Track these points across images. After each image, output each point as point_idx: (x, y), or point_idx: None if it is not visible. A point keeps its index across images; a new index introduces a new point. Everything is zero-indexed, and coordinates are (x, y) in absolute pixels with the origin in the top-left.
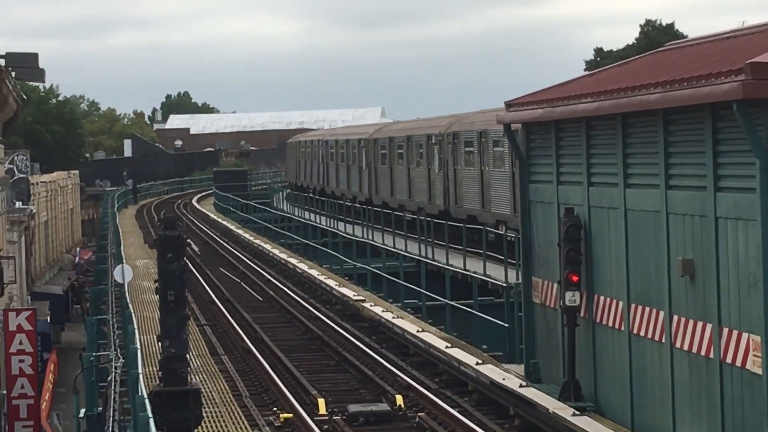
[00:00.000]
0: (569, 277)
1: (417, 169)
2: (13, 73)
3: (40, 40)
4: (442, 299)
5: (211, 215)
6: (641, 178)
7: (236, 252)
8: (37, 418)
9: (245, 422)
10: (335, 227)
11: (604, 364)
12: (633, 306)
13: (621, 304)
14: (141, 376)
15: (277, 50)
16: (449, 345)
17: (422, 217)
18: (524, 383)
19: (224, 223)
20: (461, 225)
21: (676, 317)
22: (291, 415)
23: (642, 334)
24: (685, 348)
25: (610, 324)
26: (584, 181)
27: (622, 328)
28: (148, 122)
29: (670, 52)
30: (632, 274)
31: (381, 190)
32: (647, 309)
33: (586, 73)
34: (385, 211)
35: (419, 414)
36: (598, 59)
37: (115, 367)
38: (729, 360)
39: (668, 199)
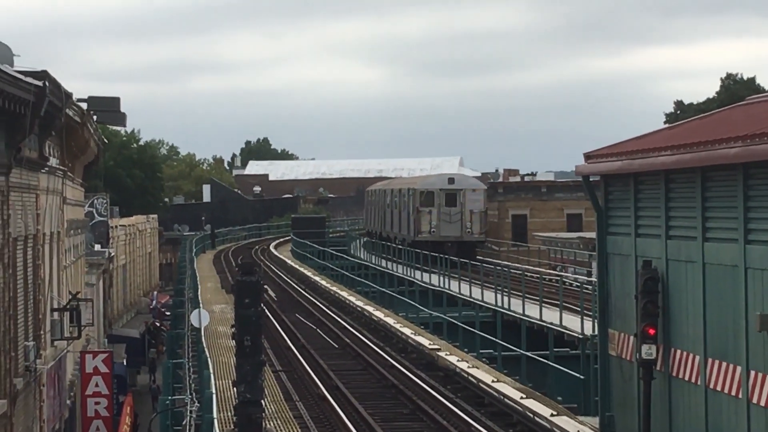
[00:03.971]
0: (646, 330)
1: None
2: (95, 117)
3: (122, 84)
4: (517, 350)
5: (289, 261)
6: (720, 232)
7: (313, 298)
8: None
9: None
10: (412, 275)
11: (680, 418)
12: (710, 360)
13: (698, 358)
14: (216, 420)
15: (357, 97)
16: (524, 396)
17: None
18: None
19: (301, 269)
20: None
21: (753, 372)
22: None
23: (718, 388)
24: (762, 404)
25: (687, 378)
26: (662, 234)
27: (699, 383)
28: (227, 168)
29: (750, 105)
30: (709, 328)
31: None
32: (724, 363)
33: (666, 125)
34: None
35: None
36: (679, 112)
37: (191, 411)
38: None
39: (747, 254)
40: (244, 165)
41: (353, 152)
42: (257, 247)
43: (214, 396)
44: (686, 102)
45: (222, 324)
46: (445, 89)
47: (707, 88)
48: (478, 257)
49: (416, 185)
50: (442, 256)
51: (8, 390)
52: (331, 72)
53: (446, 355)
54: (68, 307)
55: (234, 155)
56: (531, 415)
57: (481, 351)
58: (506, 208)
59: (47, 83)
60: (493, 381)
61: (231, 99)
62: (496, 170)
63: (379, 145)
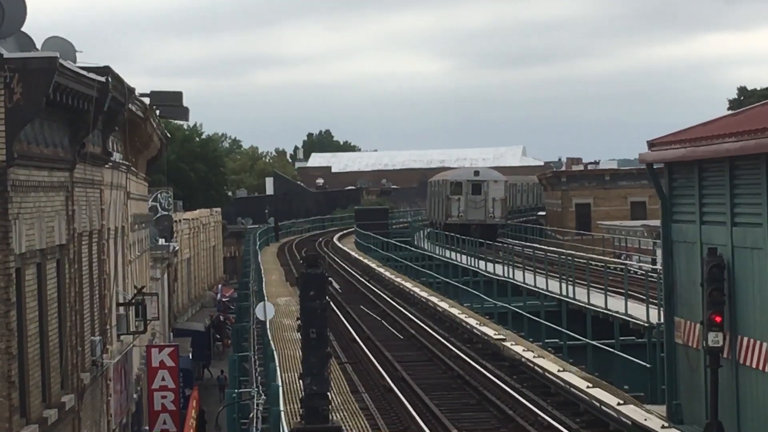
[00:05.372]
0: (712, 318)
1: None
2: (157, 112)
3: (184, 79)
4: (583, 339)
5: (352, 253)
6: None
7: (377, 290)
8: None
9: None
10: (476, 266)
11: (748, 405)
12: None
13: (765, 345)
14: (282, 413)
15: (419, 89)
16: (590, 385)
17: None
18: (666, 424)
19: (365, 261)
20: None
21: None
22: None
23: None
24: None
25: (754, 365)
26: (728, 221)
27: (766, 370)
28: (290, 160)
29: None
30: None
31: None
32: None
33: (730, 112)
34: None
35: None
36: (742, 98)
37: (257, 404)
38: None
39: None
40: (306, 157)
41: (415, 143)
42: (321, 239)
43: (281, 389)
44: (749, 88)
45: (287, 317)
46: (508, 79)
47: None
48: (498, 239)
49: (448, 177)
50: (468, 238)
51: (75, 385)
52: (393, 64)
53: (511, 345)
54: (133, 301)
55: (296, 148)
56: (597, 404)
57: (546, 340)
58: (570, 196)
59: (110, 79)
60: (558, 370)
61: (293, 92)
62: (559, 159)
63: (442, 135)
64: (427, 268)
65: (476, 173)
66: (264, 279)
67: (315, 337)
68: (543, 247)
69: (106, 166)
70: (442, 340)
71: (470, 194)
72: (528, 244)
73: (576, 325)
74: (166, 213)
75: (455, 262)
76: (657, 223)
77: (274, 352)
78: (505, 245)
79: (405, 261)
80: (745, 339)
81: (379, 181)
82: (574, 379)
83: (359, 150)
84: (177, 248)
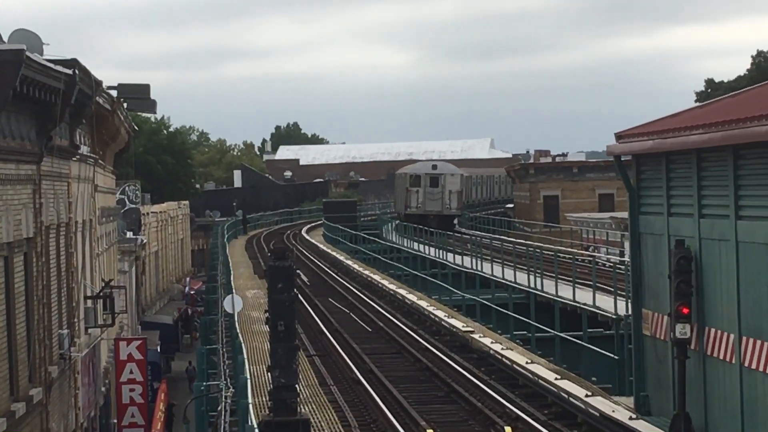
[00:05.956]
0: (680, 310)
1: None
2: (125, 104)
3: (152, 72)
4: (551, 331)
5: (321, 246)
6: (753, 210)
7: (345, 283)
8: None
9: None
10: (444, 258)
11: (715, 397)
12: (744, 338)
13: (732, 336)
14: (251, 405)
15: (387, 81)
16: (558, 377)
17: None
18: (634, 416)
19: (333, 253)
20: None
21: None
22: None
23: (753, 366)
24: None
25: (721, 357)
26: (695, 213)
27: (733, 361)
28: (258, 153)
29: None
30: (743, 306)
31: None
32: (759, 341)
33: (697, 104)
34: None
35: None
36: (709, 90)
37: (225, 397)
38: None
39: None
40: (274, 150)
41: (384, 136)
42: (289, 231)
43: (249, 381)
44: (717, 80)
45: (255, 309)
46: (476, 72)
47: (738, 66)
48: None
49: (408, 170)
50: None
51: (43, 378)
52: (361, 56)
53: (480, 337)
54: (101, 294)
55: (264, 140)
56: (566, 396)
57: (514, 332)
58: (538, 189)
59: (77, 71)
60: (527, 362)
61: (261, 84)
62: (527, 151)
63: (410, 128)
64: (395, 260)
65: (434, 167)
66: (232, 272)
67: (283, 329)
68: (511, 239)
69: (74, 158)
70: (411, 333)
71: (428, 186)
72: (485, 234)
73: (544, 317)
74: (134, 206)
75: (423, 255)
76: (625, 215)
77: (243, 345)
78: (464, 236)
79: (373, 253)
80: (713, 330)
81: (347, 173)
82: (542, 371)
83: (327, 143)
84: (145, 241)
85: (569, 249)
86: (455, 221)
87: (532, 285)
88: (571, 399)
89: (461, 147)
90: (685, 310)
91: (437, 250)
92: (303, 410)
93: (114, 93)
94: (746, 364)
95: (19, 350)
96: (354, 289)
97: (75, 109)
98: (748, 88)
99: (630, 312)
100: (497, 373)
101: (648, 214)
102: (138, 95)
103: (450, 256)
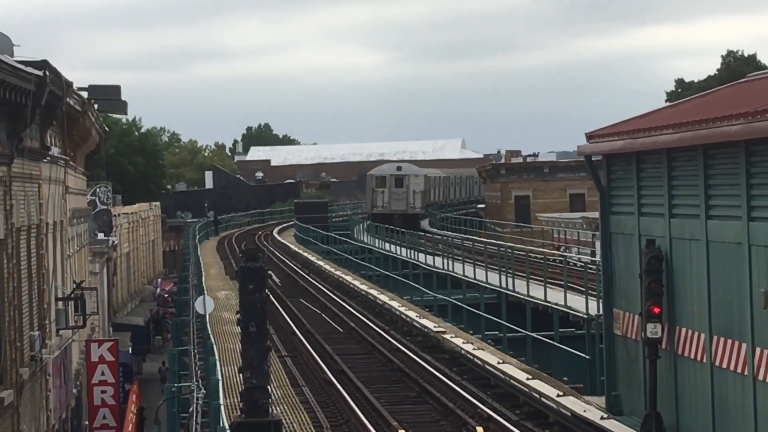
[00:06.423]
0: (651, 309)
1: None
2: (96, 106)
3: (123, 73)
4: (523, 331)
5: (292, 247)
6: (723, 210)
7: (317, 283)
8: None
9: None
10: (416, 258)
11: (686, 396)
12: (715, 338)
13: (703, 336)
14: (222, 407)
15: (359, 82)
16: (530, 377)
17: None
18: (605, 415)
19: (305, 254)
20: None
21: (758, 349)
22: None
23: (724, 366)
24: None
25: (692, 356)
26: (665, 213)
27: (704, 360)
28: (229, 154)
29: (752, 83)
30: (714, 305)
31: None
32: (729, 341)
33: (668, 104)
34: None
35: None
36: (679, 90)
37: (197, 398)
38: None
39: (750, 231)
40: (246, 151)
41: (355, 136)
42: (260, 232)
43: (221, 382)
44: (687, 80)
45: (227, 310)
46: (447, 72)
47: (708, 66)
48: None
49: (374, 172)
50: (392, 227)
51: (14, 380)
52: (332, 57)
53: (451, 337)
54: (73, 296)
55: (236, 141)
56: (537, 396)
57: (486, 333)
58: (509, 189)
59: (47, 73)
60: (498, 362)
61: (232, 85)
62: (498, 152)
63: (382, 128)
64: (366, 260)
65: (398, 168)
66: (203, 273)
67: (255, 330)
68: (482, 239)
69: (45, 160)
70: (382, 333)
71: (393, 187)
72: (456, 234)
73: (515, 317)
74: (105, 207)
75: (395, 255)
76: (596, 215)
77: (214, 346)
78: (435, 236)
79: (344, 254)
80: (683, 330)
81: (319, 174)
82: (514, 371)
83: (298, 143)
84: (116, 242)
85: (541, 249)
86: (420, 220)
87: (504, 285)
88: (542, 399)
89: (433, 147)
90: (656, 310)
91: (408, 250)
92: (275, 411)
93: (85, 94)
94: (717, 364)
95: None
96: (326, 290)
97: (46, 111)
98: (718, 88)
99: (601, 312)
100: (469, 373)
101: (619, 213)
102: (109, 96)
103: (421, 256)
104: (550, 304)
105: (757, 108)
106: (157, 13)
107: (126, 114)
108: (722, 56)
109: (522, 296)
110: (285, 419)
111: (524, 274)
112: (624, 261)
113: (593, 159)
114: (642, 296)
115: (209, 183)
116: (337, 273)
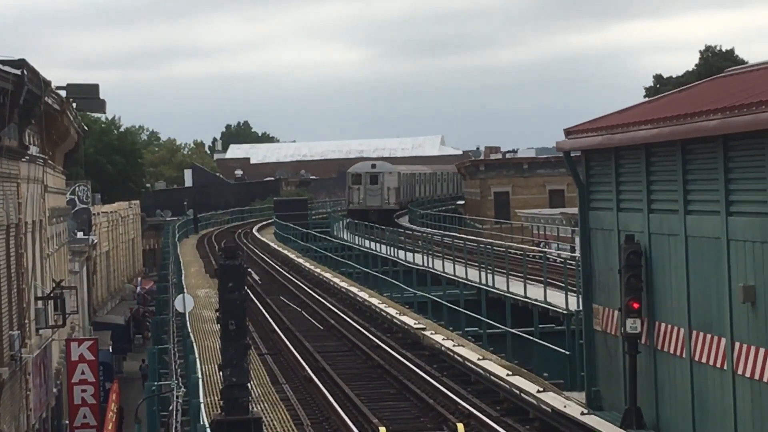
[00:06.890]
0: (630, 304)
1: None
2: (74, 105)
3: (101, 71)
4: (502, 327)
5: (272, 244)
6: (701, 205)
7: (297, 281)
8: None
9: None
10: (395, 255)
11: (666, 391)
12: (694, 333)
13: (682, 330)
14: (202, 405)
15: (337, 79)
16: (510, 373)
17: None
18: (586, 411)
19: (285, 252)
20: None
21: (737, 344)
22: None
23: (703, 360)
24: (747, 375)
25: (672, 351)
26: (644, 208)
27: (684, 355)
28: (209, 152)
29: (729, 78)
30: (693, 300)
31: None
32: (708, 336)
33: (646, 99)
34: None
35: None
36: (658, 86)
37: (177, 396)
38: None
39: (729, 226)
40: (225, 149)
41: (334, 134)
42: (240, 230)
43: (201, 380)
44: (665, 75)
45: (207, 308)
46: (426, 69)
47: (686, 61)
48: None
49: (350, 170)
50: (368, 224)
51: None
52: (310, 54)
53: (431, 334)
54: (52, 295)
55: (215, 139)
56: (517, 392)
57: (466, 329)
58: (488, 185)
59: (25, 72)
60: (478, 359)
61: (210, 83)
62: (477, 148)
63: (361, 125)
64: (346, 258)
65: (373, 166)
66: (183, 271)
67: (234, 328)
68: (462, 236)
69: (23, 159)
70: (362, 330)
71: (368, 184)
72: (436, 231)
73: (495, 313)
74: (85, 206)
75: (375, 252)
76: (575, 210)
77: (194, 344)
78: (415, 233)
79: (324, 251)
80: (663, 325)
81: (298, 171)
82: (494, 367)
83: (278, 141)
84: (96, 241)
85: (520, 245)
86: (394, 215)
87: (483, 281)
88: (522, 395)
89: (412, 144)
90: (636, 305)
91: (388, 247)
92: (255, 409)
93: (63, 93)
94: (696, 359)
95: None
96: (305, 288)
97: (24, 110)
98: (696, 83)
99: (581, 307)
100: (449, 369)
101: (598, 209)
102: (87, 95)
103: (401, 253)
104: (529, 300)
105: (734, 103)
106: (135, 11)
107: (105, 112)
108: (700, 51)
109: (502, 292)
110: (265, 417)
111: (504, 270)
112: (603, 256)
113: (572, 155)
114: (621, 292)
115: (188, 181)
116: (317, 270)
